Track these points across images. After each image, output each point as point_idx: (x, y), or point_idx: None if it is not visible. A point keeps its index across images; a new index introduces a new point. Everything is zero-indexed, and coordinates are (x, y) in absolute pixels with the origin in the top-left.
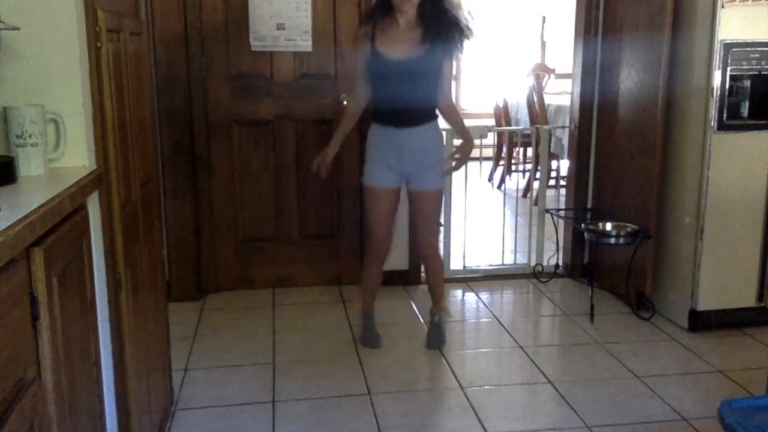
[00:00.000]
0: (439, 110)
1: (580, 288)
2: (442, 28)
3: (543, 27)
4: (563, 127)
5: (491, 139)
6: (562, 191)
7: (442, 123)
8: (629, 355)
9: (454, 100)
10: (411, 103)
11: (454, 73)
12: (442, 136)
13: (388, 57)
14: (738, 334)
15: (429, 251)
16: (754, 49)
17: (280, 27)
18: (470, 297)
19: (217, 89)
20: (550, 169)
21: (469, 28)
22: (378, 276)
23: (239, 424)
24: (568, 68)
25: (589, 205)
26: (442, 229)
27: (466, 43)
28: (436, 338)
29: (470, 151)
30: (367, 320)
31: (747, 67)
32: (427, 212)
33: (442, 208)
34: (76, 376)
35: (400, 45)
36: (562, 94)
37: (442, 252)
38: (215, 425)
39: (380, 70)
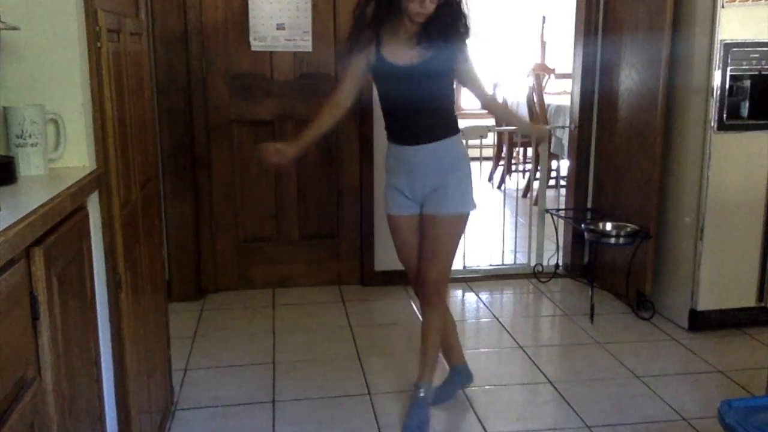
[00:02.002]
0: (484, 108)
1: (580, 288)
2: (445, 30)
3: (543, 27)
4: (563, 127)
5: (491, 139)
6: (562, 191)
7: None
8: (629, 355)
9: (491, 95)
10: (421, 113)
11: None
12: (462, 152)
13: (395, 63)
14: (738, 334)
15: (427, 293)
16: (754, 49)
17: (280, 27)
18: (470, 297)
19: (217, 89)
20: (550, 169)
21: (467, 26)
22: (447, 315)
23: (239, 424)
24: (568, 68)
25: (589, 205)
26: None
27: (467, 40)
28: (413, 421)
29: (530, 130)
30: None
31: (747, 67)
32: (435, 241)
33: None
34: (76, 376)
35: (407, 50)
36: (562, 94)
37: None
38: (215, 425)
39: (386, 77)
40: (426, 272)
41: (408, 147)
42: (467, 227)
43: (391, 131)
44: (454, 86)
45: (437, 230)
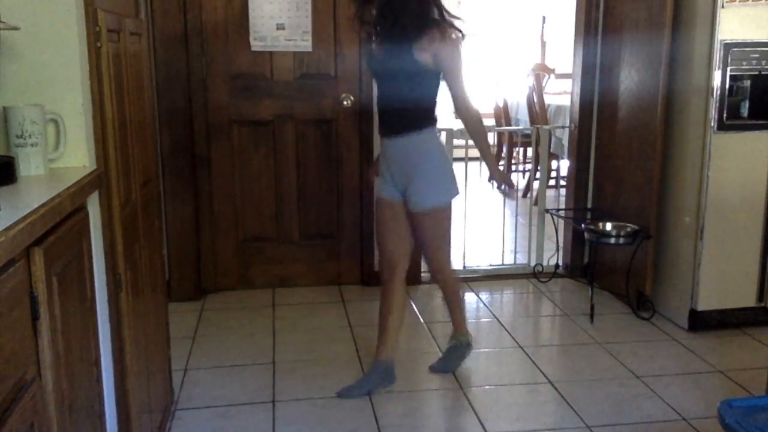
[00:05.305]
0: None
1: (580, 288)
2: (393, 26)
3: (543, 27)
4: (563, 127)
5: (491, 139)
6: (562, 191)
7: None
8: (629, 355)
9: (467, 103)
10: (393, 108)
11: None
12: (430, 146)
13: (372, 54)
14: (738, 334)
15: (434, 272)
16: (754, 49)
17: (280, 27)
18: (470, 297)
19: (217, 89)
20: (550, 169)
21: (423, 23)
22: (396, 299)
23: (239, 424)
24: (568, 68)
25: (589, 205)
26: None
27: (431, 36)
28: (442, 364)
29: (493, 168)
30: (377, 369)
31: (747, 67)
32: (421, 235)
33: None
34: (76, 376)
35: (378, 46)
36: (562, 94)
37: None
38: (215, 425)
39: (369, 69)
40: (432, 259)
41: (384, 138)
42: (450, 214)
43: (378, 122)
44: (431, 84)
45: (418, 224)
